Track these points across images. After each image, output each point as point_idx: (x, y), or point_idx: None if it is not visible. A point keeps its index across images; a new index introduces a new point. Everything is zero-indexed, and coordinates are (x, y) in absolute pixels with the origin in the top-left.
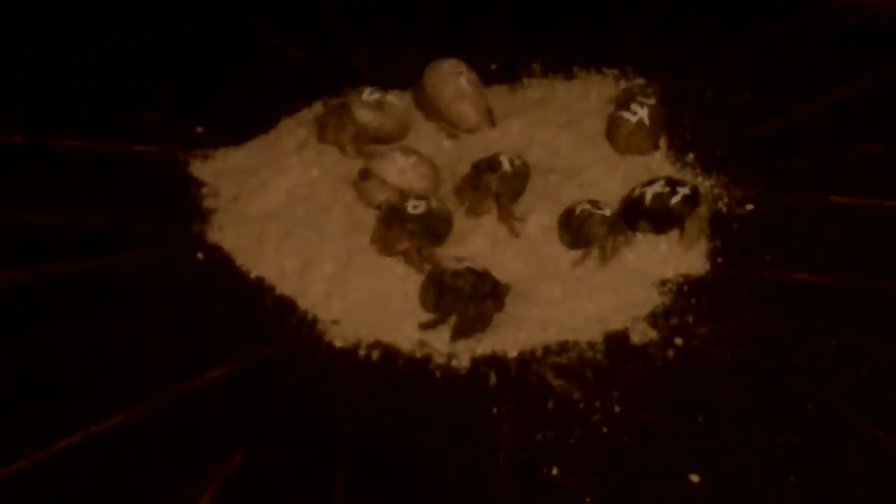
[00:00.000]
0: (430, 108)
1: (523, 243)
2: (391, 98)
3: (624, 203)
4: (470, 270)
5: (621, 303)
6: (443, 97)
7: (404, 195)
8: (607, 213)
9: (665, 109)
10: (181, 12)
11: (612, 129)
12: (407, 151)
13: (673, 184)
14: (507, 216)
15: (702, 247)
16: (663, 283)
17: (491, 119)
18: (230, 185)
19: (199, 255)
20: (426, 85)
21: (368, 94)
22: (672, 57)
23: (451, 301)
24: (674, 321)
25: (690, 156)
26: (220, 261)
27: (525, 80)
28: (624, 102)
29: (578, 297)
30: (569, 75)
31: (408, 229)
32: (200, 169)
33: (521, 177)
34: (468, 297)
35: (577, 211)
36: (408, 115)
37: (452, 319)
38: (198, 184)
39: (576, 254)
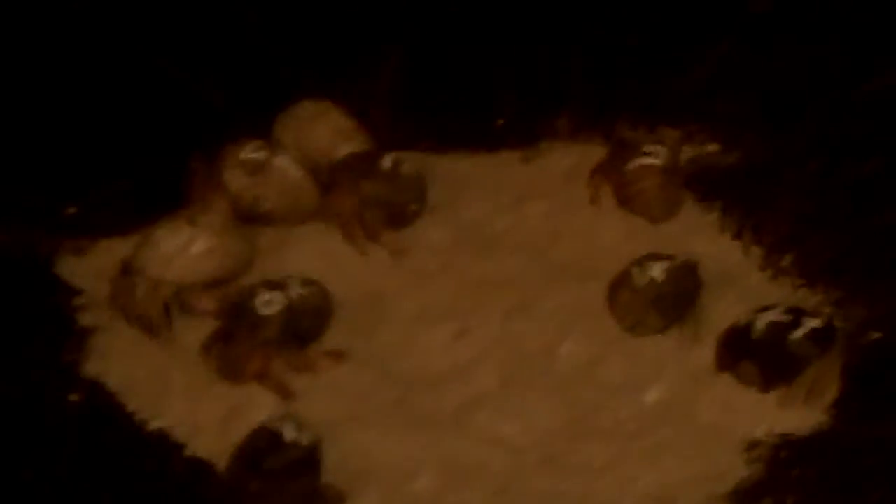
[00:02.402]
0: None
1: (548, 380)
2: (282, 161)
3: (724, 335)
4: (293, 448)
5: (692, 473)
6: (316, 141)
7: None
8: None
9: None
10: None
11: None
12: (197, 220)
13: (797, 313)
14: (361, 238)
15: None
16: (752, 445)
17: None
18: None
19: (73, 397)
20: (283, 135)
21: (251, 151)
22: (757, 113)
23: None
24: (768, 502)
25: (787, 259)
26: (104, 405)
27: (545, 144)
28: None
29: (629, 464)
30: (609, 135)
31: (259, 340)
32: (72, 268)
33: (408, 189)
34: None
35: (637, 278)
36: (307, 190)
37: None
38: (68, 290)
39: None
